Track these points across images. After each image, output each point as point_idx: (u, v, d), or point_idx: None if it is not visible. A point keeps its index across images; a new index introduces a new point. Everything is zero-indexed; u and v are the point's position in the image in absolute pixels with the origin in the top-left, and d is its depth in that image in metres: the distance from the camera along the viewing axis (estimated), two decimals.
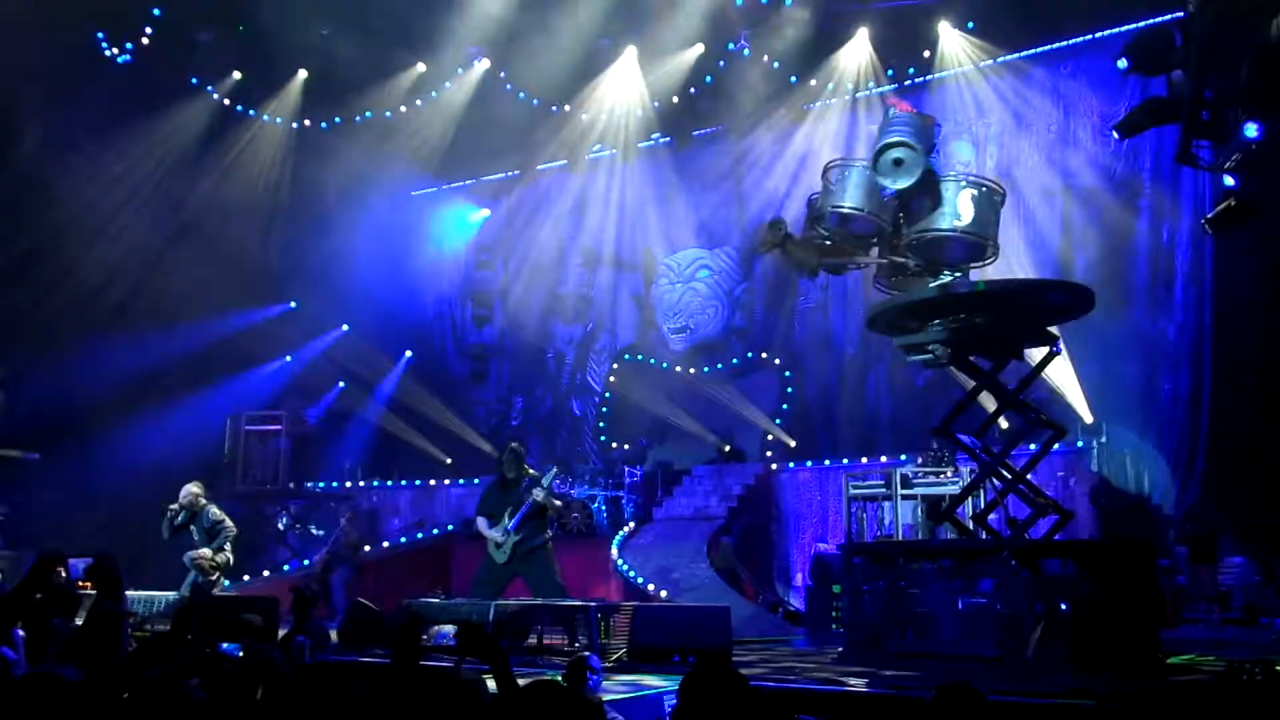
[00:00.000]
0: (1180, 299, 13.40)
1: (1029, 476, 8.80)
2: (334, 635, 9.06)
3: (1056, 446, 9.30)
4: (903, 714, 5.70)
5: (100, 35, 15.79)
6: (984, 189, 8.56)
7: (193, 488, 10.70)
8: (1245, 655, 5.72)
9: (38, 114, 15.15)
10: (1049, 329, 8.63)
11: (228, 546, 10.54)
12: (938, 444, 12.12)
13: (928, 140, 8.37)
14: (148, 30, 15.73)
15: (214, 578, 10.38)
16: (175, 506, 10.59)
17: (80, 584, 8.71)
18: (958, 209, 8.35)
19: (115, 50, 15.89)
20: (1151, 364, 13.48)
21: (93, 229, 16.21)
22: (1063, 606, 7.57)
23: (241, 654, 4.58)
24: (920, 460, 11.79)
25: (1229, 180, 10.03)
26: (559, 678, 5.24)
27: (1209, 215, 10.46)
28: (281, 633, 7.99)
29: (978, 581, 8.01)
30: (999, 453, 8.95)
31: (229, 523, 10.63)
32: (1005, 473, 8.79)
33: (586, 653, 5.86)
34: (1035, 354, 9.02)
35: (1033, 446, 9.54)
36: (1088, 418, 12.94)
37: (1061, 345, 8.90)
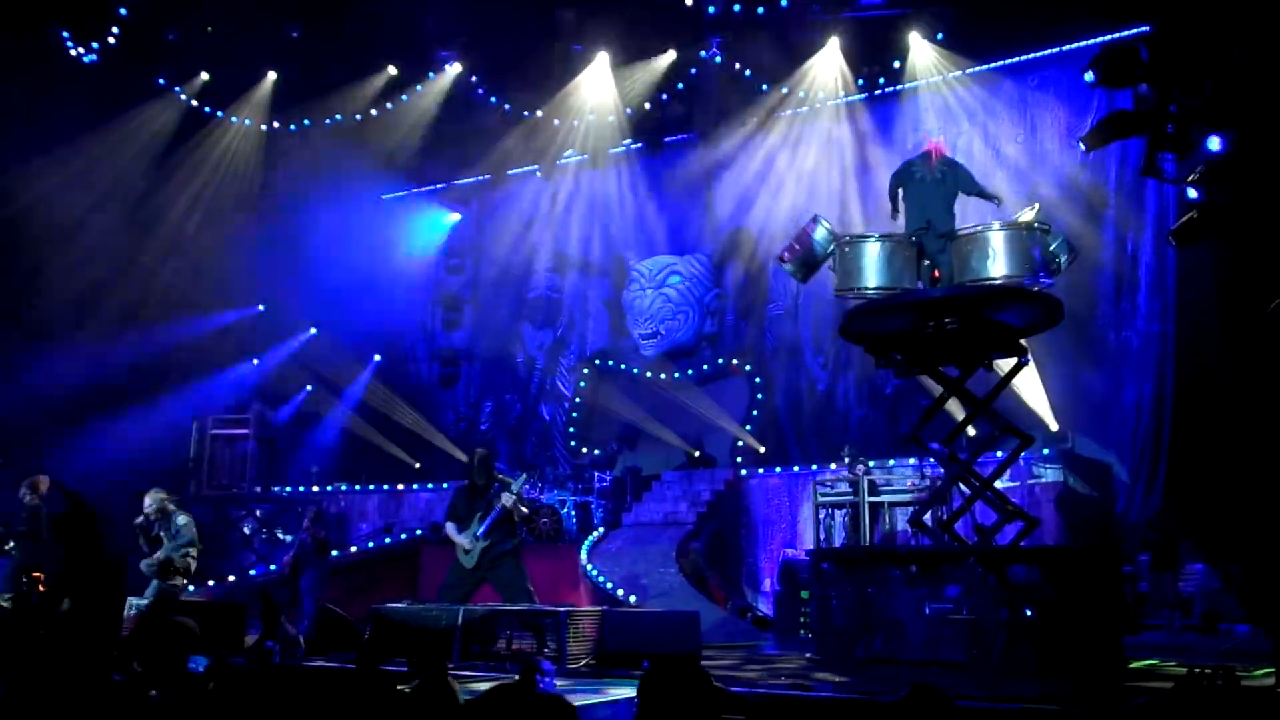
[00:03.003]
0: (1144, 309, 13.59)
1: (996, 484, 8.88)
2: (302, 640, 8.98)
3: (1023, 454, 9.40)
4: (871, 719, 5.73)
5: (65, 34, 15.59)
6: (889, 246, 8.70)
7: (159, 494, 10.51)
8: (1205, 661, 5.80)
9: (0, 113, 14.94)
10: (1018, 340, 8.71)
11: (193, 551, 10.39)
12: (849, 451, 12.38)
13: (811, 256, 9.03)
14: (114, 30, 15.56)
15: (176, 582, 10.23)
16: (147, 514, 10.39)
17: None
18: (865, 269, 8.61)
19: (81, 49, 15.70)
20: (1116, 373, 13.67)
21: (56, 230, 15.99)
22: (1028, 612, 7.66)
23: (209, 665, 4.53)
24: (834, 466, 12.04)
25: (1192, 193, 10.16)
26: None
27: (1173, 228, 10.59)
28: (250, 639, 7.92)
29: (944, 588, 8.08)
30: (966, 460, 9.04)
31: (193, 530, 10.47)
32: (973, 480, 8.88)
33: (539, 657, 5.85)
34: (1004, 364, 9.12)
35: (999, 454, 9.64)
36: (1053, 426, 13.08)
37: (1029, 355, 8.99)
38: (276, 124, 17.59)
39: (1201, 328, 12.85)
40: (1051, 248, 8.53)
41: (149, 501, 10.37)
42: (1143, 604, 11.26)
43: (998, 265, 8.27)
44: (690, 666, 3.27)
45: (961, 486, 9.24)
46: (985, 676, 7.22)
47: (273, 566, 14.52)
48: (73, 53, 15.65)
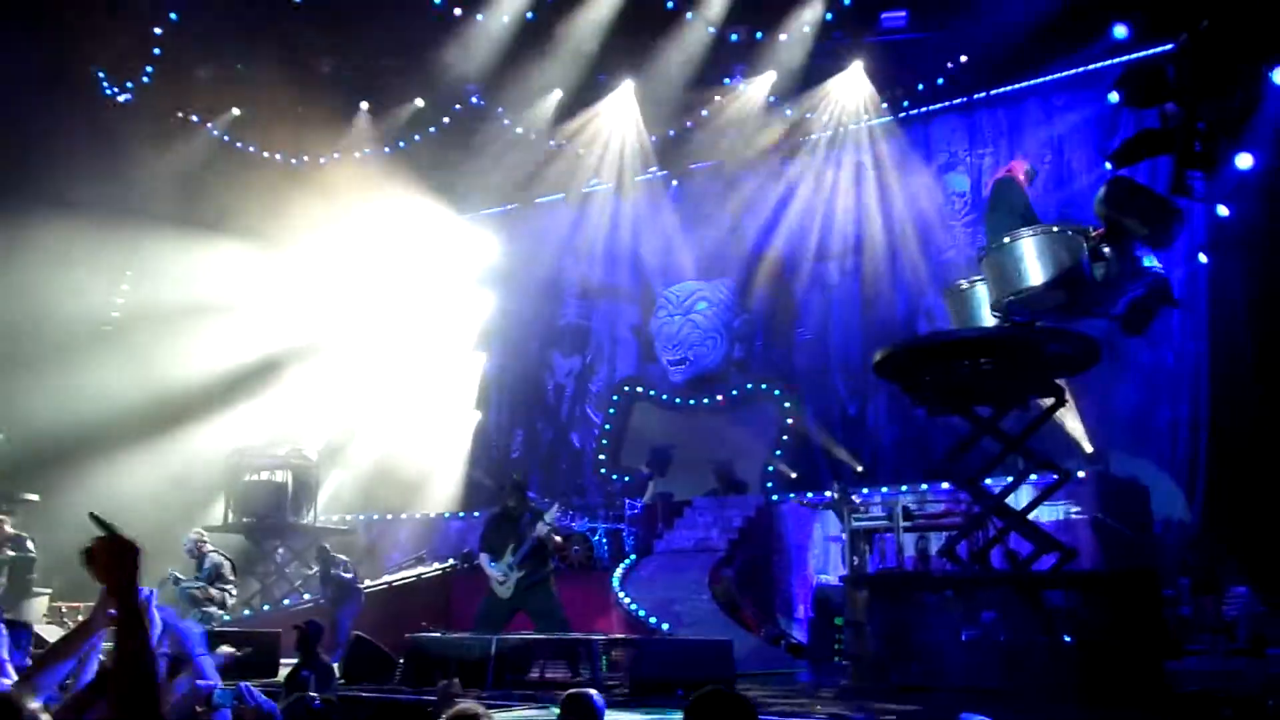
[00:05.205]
0: (1177, 327, 13.45)
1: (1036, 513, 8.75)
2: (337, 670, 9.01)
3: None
4: None
5: (101, 74, 15.89)
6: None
7: (195, 533, 11.41)
8: (1251, 688, 5.71)
9: (39, 147, 15.17)
10: (1054, 380, 8.54)
11: (229, 588, 10.98)
12: (837, 488, 12.24)
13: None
14: (148, 69, 15.84)
15: (210, 610, 10.67)
16: (188, 549, 11.23)
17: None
18: (976, 315, 8.45)
19: (116, 89, 15.99)
20: (1151, 393, 13.52)
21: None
22: (1067, 638, 7.55)
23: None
24: (828, 496, 12.03)
25: (1223, 210, 10.06)
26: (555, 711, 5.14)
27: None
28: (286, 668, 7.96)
29: (981, 613, 7.98)
30: (1000, 494, 8.91)
31: (225, 569, 10.96)
32: (1007, 512, 8.76)
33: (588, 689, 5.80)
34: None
35: (1033, 477, 9.53)
36: (1088, 448, 12.94)
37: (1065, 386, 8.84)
38: (306, 157, 17.81)
39: (1235, 345, 12.71)
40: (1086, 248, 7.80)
41: (193, 537, 11.28)
42: (1185, 629, 11.06)
43: (1035, 274, 7.75)
44: (734, 695, 3.25)
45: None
46: (1024, 703, 7.12)
47: (306, 596, 14.57)
48: (108, 92, 15.94)
